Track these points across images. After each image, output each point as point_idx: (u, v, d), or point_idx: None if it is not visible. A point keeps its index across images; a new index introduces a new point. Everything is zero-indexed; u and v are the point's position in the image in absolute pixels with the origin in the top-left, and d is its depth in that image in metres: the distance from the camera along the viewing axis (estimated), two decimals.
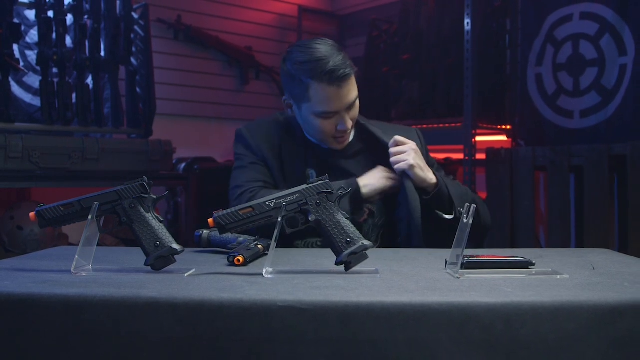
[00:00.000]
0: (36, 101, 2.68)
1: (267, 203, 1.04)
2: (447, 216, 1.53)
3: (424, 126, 3.29)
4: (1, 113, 2.44)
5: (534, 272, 1.03)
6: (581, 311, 0.80)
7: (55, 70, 2.60)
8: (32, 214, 1.08)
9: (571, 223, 2.73)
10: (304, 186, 1.06)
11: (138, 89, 2.93)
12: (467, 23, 3.01)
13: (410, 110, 3.42)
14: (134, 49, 2.88)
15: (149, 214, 1.06)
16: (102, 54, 2.74)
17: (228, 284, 0.92)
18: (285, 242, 1.52)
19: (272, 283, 0.93)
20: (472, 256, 1.08)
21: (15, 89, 2.69)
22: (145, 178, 1.08)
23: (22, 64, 2.60)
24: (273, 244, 1.03)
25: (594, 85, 2.76)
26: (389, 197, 1.59)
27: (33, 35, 2.69)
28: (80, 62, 2.63)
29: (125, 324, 0.81)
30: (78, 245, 1.05)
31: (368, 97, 3.44)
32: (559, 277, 0.99)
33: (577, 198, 2.74)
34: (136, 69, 2.91)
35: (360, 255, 1.03)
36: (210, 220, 1.04)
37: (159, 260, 1.04)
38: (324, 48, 1.51)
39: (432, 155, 1.77)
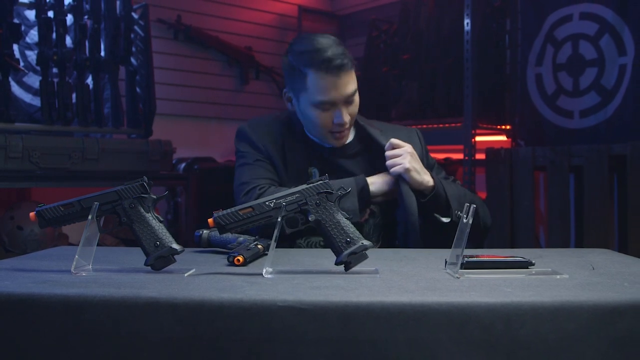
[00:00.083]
0: (36, 101, 2.68)
1: (267, 203, 1.04)
2: (444, 219, 1.53)
3: (424, 126, 3.29)
4: (1, 113, 2.44)
5: (533, 272, 1.03)
6: (581, 311, 0.80)
7: (55, 70, 2.60)
8: (32, 214, 1.08)
9: (571, 223, 2.73)
10: (304, 186, 1.06)
11: (138, 89, 2.93)
12: (467, 23, 3.01)
13: (410, 110, 3.42)
14: (134, 49, 2.88)
15: (149, 214, 1.06)
16: (102, 54, 2.74)
17: (228, 284, 0.92)
18: (287, 241, 1.52)
19: (272, 283, 0.93)
20: (472, 256, 1.08)
21: (15, 89, 2.69)
22: (145, 178, 1.08)
23: (22, 64, 2.60)
24: (273, 244, 1.03)
25: (593, 86, 2.76)
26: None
27: (33, 36, 2.69)
28: (80, 62, 2.63)
29: (125, 324, 0.81)
30: (78, 245, 1.05)
31: (368, 97, 3.44)
32: (558, 277, 0.99)
33: (576, 198, 2.74)
34: (136, 69, 2.91)
35: (360, 255, 1.03)
36: (210, 220, 1.04)
37: (159, 260, 1.04)
38: (324, 40, 1.53)
39: (432, 155, 1.77)
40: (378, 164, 1.58)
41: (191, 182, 3.08)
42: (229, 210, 1.04)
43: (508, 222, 2.84)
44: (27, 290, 0.85)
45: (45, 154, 2.48)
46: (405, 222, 1.52)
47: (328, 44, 1.52)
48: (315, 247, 1.55)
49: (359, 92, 1.63)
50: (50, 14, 2.56)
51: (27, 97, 2.76)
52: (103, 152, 2.63)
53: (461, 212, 1.48)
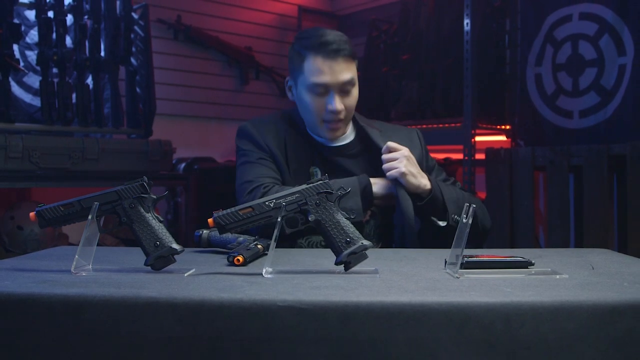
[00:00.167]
0: (36, 101, 2.68)
1: (266, 203, 1.04)
2: (440, 223, 1.53)
3: (424, 126, 3.29)
4: (1, 113, 2.44)
5: (533, 272, 1.03)
6: (580, 311, 0.80)
7: (55, 70, 2.60)
8: (32, 214, 1.08)
9: (570, 223, 2.73)
10: (304, 186, 1.06)
11: (138, 89, 2.93)
12: (467, 23, 3.01)
13: (409, 111, 3.42)
14: (133, 49, 2.88)
15: (149, 214, 1.06)
16: (102, 54, 2.74)
17: (228, 284, 0.92)
18: (287, 241, 1.52)
19: (271, 283, 0.93)
20: (472, 256, 1.08)
21: (16, 89, 2.69)
22: (145, 178, 1.08)
23: (22, 64, 2.60)
24: (273, 243, 1.03)
25: (593, 86, 2.76)
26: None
27: (33, 36, 2.69)
28: (80, 62, 2.63)
29: (125, 323, 0.81)
30: (78, 245, 1.05)
31: (368, 97, 3.45)
32: (558, 277, 0.99)
33: (576, 198, 2.74)
34: (136, 69, 2.92)
35: (359, 255, 1.03)
36: (210, 220, 1.04)
37: (159, 260, 1.04)
38: (328, 30, 1.58)
39: (432, 155, 1.77)
40: (378, 165, 1.59)
41: (191, 182, 3.08)
42: (228, 210, 1.04)
43: (508, 222, 2.84)
44: (27, 290, 0.85)
45: (45, 154, 2.48)
46: (402, 225, 1.52)
47: (330, 31, 1.56)
48: (316, 246, 1.55)
49: (359, 93, 1.63)
50: (50, 14, 2.57)
51: (27, 97, 2.76)
52: (103, 152, 2.63)
53: (458, 216, 1.49)
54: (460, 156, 3.06)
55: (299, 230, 1.07)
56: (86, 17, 2.69)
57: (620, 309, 0.80)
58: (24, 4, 2.66)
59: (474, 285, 0.92)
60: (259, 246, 1.22)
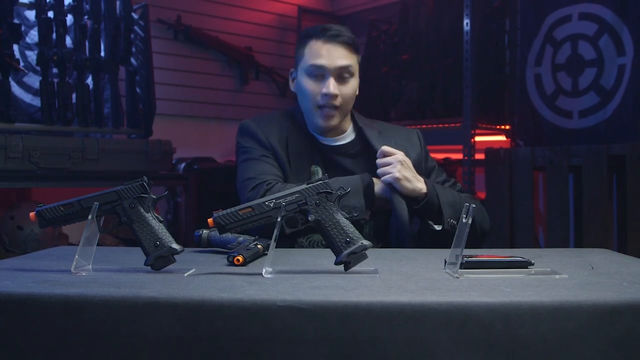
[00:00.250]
0: (36, 101, 2.68)
1: (266, 203, 1.04)
2: (436, 227, 1.53)
3: (424, 126, 3.29)
4: (1, 113, 2.44)
5: (533, 272, 1.03)
6: (580, 311, 0.80)
7: (55, 70, 2.60)
8: (32, 214, 1.08)
9: (570, 223, 2.74)
10: (304, 186, 1.06)
11: (138, 89, 2.93)
12: (467, 23, 3.01)
13: (409, 111, 3.42)
14: (133, 49, 2.88)
15: (149, 214, 1.06)
16: (102, 54, 2.74)
17: (228, 284, 0.92)
18: (287, 241, 1.52)
19: (271, 283, 0.93)
20: (471, 256, 1.08)
21: (16, 89, 2.69)
22: (145, 178, 1.08)
23: (22, 64, 2.60)
24: (272, 243, 1.03)
25: (592, 86, 2.76)
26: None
27: (33, 36, 2.69)
28: (80, 62, 2.63)
29: (125, 323, 0.81)
30: (78, 245, 1.05)
31: (367, 97, 3.45)
32: (557, 276, 0.99)
33: (576, 198, 2.74)
34: (136, 69, 2.92)
35: (359, 255, 1.03)
36: (209, 220, 1.04)
37: (159, 260, 1.04)
38: (335, 24, 1.62)
39: (432, 155, 1.77)
40: (376, 167, 1.59)
41: (191, 182, 3.08)
42: (228, 210, 1.04)
43: (507, 222, 2.84)
44: (27, 290, 0.85)
45: (45, 154, 2.48)
46: (397, 229, 1.52)
47: (337, 25, 1.61)
48: (317, 245, 1.55)
49: (359, 92, 1.63)
50: (50, 14, 2.56)
51: (27, 97, 2.76)
52: (103, 152, 2.63)
53: (455, 220, 1.50)
54: (459, 156, 3.06)
55: (299, 230, 1.07)
56: (86, 17, 2.69)
57: (620, 309, 0.80)
58: (24, 4, 2.66)
59: (474, 285, 0.92)
60: (259, 246, 1.22)
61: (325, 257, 1.16)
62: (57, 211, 1.07)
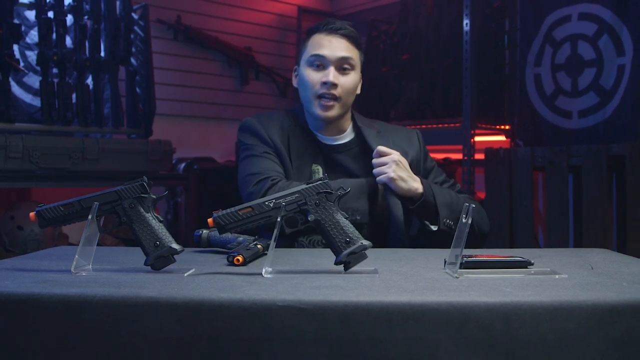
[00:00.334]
0: (36, 101, 2.68)
1: (266, 203, 1.05)
2: (432, 227, 1.54)
3: (423, 126, 3.29)
4: (1, 113, 2.44)
5: (532, 272, 1.03)
6: (580, 311, 0.80)
7: (55, 70, 2.60)
8: (32, 214, 1.08)
9: (570, 223, 2.73)
10: (303, 186, 1.06)
11: (138, 89, 2.93)
12: (466, 23, 3.01)
13: (409, 111, 3.42)
14: (133, 50, 2.88)
15: (149, 214, 1.06)
16: (102, 54, 2.74)
17: (227, 284, 0.92)
18: (287, 240, 1.52)
19: (271, 283, 0.93)
20: (471, 256, 1.08)
21: (16, 89, 2.69)
22: (145, 178, 1.08)
23: (22, 64, 2.60)
24: (272, 243, 1.03)
25: (592, 86, 2.76)
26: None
27: (33, 36, 2.69)
28: (80, 62, 2.63)
29: (125, 323, 0.81)
30: (78, 245, 1.05)
31: (367, 97, 3.45)
32: (557, 276, 0.99)
33: (575, 198, 2.74)
34: (136, 69, 2.92)
35: (359, 255, 1.03)
36: (209, 220, 1.04)
37: (159, 260, 1.04)
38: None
39: (432, 155, 1.77)
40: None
41: (191, 182, 3.08)
42: (228, 210, 1.04)
43: (507, 222, 2.84)
44: (27, 290, 0.85)
45: (45, 154, 2.48)
46: (392, 229, 1.53)
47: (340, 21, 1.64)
48: (318, 245, 1.55)
49: (359, 92, 1.64)
50: (50, 14, 2.56)
51: (27, 97, 2.76)
52: (103, 152, 2.63)
53: (451, 220, 1.50)
54: (459, 156, 3.06)
55: (300, 232, 1.08)
56: (86, 17, 2.69)
57: (620, 309, 0.80)
58: (24, 4, 2.66)
59: (473, 285, 0.92)
60: (259, 246, 1.22)
61: (325, 257, 1.16)
62: (57, 211, 1.07)
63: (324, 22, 1.62)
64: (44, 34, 2.52)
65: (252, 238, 1.28)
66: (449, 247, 1.06)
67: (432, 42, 3.36)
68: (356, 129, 1.69)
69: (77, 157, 2.56)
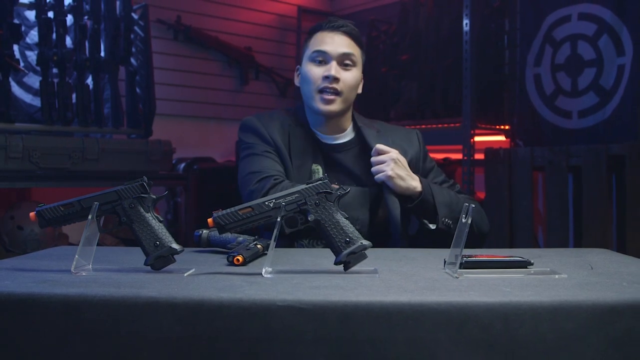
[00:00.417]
0: (36, 101, 2.68)
1: (266, 203, 1.05)
2: (430, 226, 1.54)
3: (423, 126, 3.29)
4: (1, 113, 2.44)
5: (532, 272, 1.04)
6: (579, 311, 0.80)
7: (55, 70, 2.60)
8: (32, 214, 1.08)
9: (569, 223, 2.74)
10: (303, 186, 1.07)
11: (138, 89, 2.93)
12: (466, 24, 3.01)
13: (409, 111, 3.42)
14: (133, 50, 2.89)
15: (149, 214, 1.06)
16: (102, 54, 2.74)
17: (227, 284, 0.92)
18: (287, 240, 1.52)
19: (271, 283, 0.93)
20: (471, 256, 1.08)
21: (16, 89, 2.69)
22: (145, 178, 1.08)
23: (22, 64, 2.60)
24: (272, 243, 1.03)
25: (592, 86, 2.76)
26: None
27: (33, 36, 2.69)
28: (80, 62, 2.64)
29: (125, 323, 0.82)
30: (78, 245, 1.05)
31: (367, 97, 3.44)
32: (557, 276, 0.99)
33: (575, 198, 2.74)
34: (136, 70, 2.92)
35: (359, 255, 1.03)
36: (209, 220, 1.04)
37: (159, 260, 1.04)
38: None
39: (431, 155, 1.77)
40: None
41: (191, 182, 3.08)
42: (228, 210, 1.04)
43: (507, 222, 2.84)
44: (27, 290, 0.85)
45: (46, 154, 2.48)
46: (391, 229, 1.53)
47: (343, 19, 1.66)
48: (318, 244, 1.55)
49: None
50: (50, 14, 2.57)
51: (27, 97, 2.76)
52: (103, 152, 2.63)
53: (450, 220, 1.51)
54: (459, 156, 3.06)
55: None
56: (86, 17, 2.69)
57: (619, 309, 0.81)
58: (24, 4, 2.66)
59: (473, 285, 0.92)
60: (259, 246, 1.22)
61: (325, 257, 1.16)
62: (57, 211, 1.07)
63: (327, 20, 1.64)
64: (44, 34, 2.52)
65: (252, 238, 1.28)
66: (449, 247, 1.06)
67: (431, 42, 3.36)
68: (356, 128, 1.69)
69: (77, 157, 2.56)
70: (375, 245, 1.57)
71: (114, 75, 2.81)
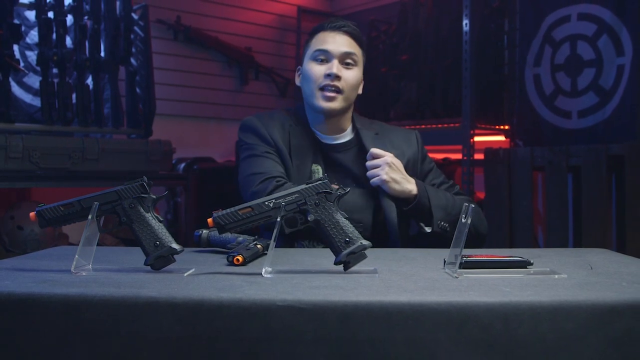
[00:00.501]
0: (36, 101, 2.68)
1: (266, 203, 1.05)
2: (426, 229, 1.54)
3: (423, 126, 3.29)
4: (1, 113, 2.45)
5: (532, 272, 1.04)
6: (579, 311, 0.80)
7: (55, 70, 2.60)
8: (32, 214, 1.08)
9: (569, 223, 2.74)
10: (303, 186, 1.07)
11: (138, 89, 2.93)
12: (466, 24, 3.01)
13: (408, 111, 3.42)
14: (133, 50, 2.89)
15: (149, 214, 1.06)
16: (102, 54, 2.74)
17: (227, 284, 0.92)
18: (288, 241, 1.53)
19: (271, 283, 0.93)
20: (471, 256, 1.08)
21: (16, 89, 2.70)
22: (145, 178, 1.09)
23: (22, 64, 2.61)
24: (272, 243, 1.03)
25: (591, 86, 2.76)
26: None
27: (33, 36, 2.69)
28: (80, 62, 2.64)
29: (125, 323, 0.82)
30: (78, 245, 1.05)
31: (367, 97, 3.44)
32: (557, 276, 1.00)
33: (575, 198, 2.74)
34: (136, 70, 2.92)
35: (359, 255, 1.03)
36: (209, 220, 1.04)
37: (159, 260, 1.04)
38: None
39: (431, 155, 1.77)
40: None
41: (191, 182, 3.08)
42: (228, 210, 1.04)
43: (506, 222, 2.84)
44: (27, 290, 0.85)
45: (46, 154, 2.48)
46: (389, 233, 1.53)
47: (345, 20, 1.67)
48: (318, 244, 1.55)
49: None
50: (51, 14, 2.57)
51: (27, 97, 2.76)
52: (103, 152, 2.63)
53: (446, 222, 1.51)
54: (459, 156, 3.06)
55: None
56: (86, 17, 2.70)
57: (619, 309, 0.81)
58: (24, 5, 2.67)
59: (473, 285, 0.92)
60: (259, 246, 1.22)
61: (324, 257, 1.16)
62: (57, 211, 1.07)
63: (328, 20, 1.64)
64: (44, 34, 2.52)
65: (252, 238, 1.28)
66: (448, 247, 1.07)
67: (431, 42, 3.36)
68: (355, 129, 1.70)
69: (77, 157, 2.56)
70: (375, 246, 1.58)
71: (114, 75, 2.81)
